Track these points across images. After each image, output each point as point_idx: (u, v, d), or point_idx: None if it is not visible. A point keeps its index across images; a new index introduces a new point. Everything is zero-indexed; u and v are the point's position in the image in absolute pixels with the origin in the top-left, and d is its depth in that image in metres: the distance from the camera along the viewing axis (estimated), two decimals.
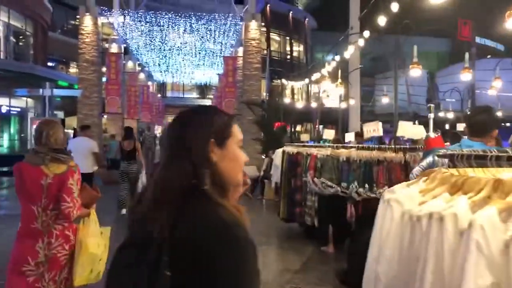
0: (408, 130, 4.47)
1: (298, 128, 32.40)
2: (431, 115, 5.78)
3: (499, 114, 22.14)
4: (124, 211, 8.98)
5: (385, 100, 17.90)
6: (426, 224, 1.41)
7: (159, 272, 1.08)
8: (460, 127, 5.90)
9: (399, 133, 4.61)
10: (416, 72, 7.54)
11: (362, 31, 11.37)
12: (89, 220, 3.17)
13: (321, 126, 18.53)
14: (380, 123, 5.16)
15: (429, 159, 2.64)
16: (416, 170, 2.68)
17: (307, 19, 38.52)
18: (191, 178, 1.18)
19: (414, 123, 6.09)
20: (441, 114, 23.03)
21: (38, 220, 2.97)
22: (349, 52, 11.57)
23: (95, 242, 3.11)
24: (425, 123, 5.90)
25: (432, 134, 2.80)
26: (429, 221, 1.40)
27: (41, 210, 2.97)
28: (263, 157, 13.02)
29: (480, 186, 1.42)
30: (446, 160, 2.66)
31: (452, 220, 1.32)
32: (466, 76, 9.03)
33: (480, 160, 1.59)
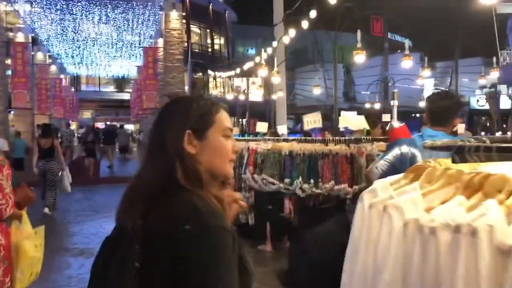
0: (351, 120, 4.30)
1: None
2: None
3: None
4: (46, 209, 8.50)
5: (316, 91, 18.08)
6: (447, 238, 1.12)
7: (128, 262, 1.09)
8: (386, 117, 5.87)
9: (341, 124, 4.44)
10: (360, 58, 7.56)
11: (286, 25, 11.39)
12: (23, 221, 2.98)
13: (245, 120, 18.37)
14: (320, 114, 4.96)
15: (395, 151, 2.38)
16: (381, 164, 2.42)
17: (227, 11, 38.19)
18: (165, 172, 1.17)
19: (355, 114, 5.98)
20: (367, 106, 23.66)
21: None
22: (274, 45, 11.44)
23: (32, 244, 2.96)
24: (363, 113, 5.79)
25: (396, 124, 2.54)
26: (454, 234, 1.11)
27: None
28: None
29: (509, 185, 1.15)
30: (418, 153, 2.45)
31: (488, 234, 1.04)
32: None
33: (488, 153, 1.32)
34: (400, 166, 2.31)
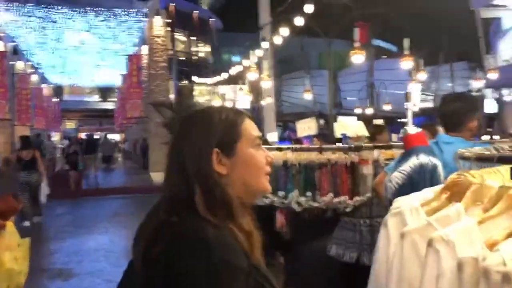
0: (349, 126, 4.01)
1: None
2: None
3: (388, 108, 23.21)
4: (27, 222, 8.39)
5: (306, 96, 17.90)
6: None
7: None
8: (377, 122, 5.63)
9: (338, 131, 4.14)
10: (358, 57, 7.31)
11: (272, 32, 11.24)
12: (5, 232, 2.88)
13: None
14: (314, 120, 4.65)
15: (412, 161, 2.06)
16: (396, 176, 2.09)
17: (212, 19, 38.01)
18: (183, 200, 1.03)
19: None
20: (358, 111, 23.41)
21: None
22: (261, 52, 11.19)
23: (12, 256, 2.86)
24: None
25: (411, 130, 2.22)
26: None
27: None
28: None
29: None
30: (439, 163, 2.14)
31: None
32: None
33: None
34: (418, 178, 2.00)
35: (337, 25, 25.95)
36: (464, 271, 0.92)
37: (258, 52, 10.78)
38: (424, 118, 23.14)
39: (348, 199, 3.38)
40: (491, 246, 0.92)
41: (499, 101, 18.83)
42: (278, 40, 9.58)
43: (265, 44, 10.58)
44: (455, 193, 1.29)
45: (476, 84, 15.25)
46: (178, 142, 1.11)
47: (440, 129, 3.78)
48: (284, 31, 9.33)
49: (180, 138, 1.11)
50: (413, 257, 1.15)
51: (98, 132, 31.30)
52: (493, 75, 13.08)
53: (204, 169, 1.04)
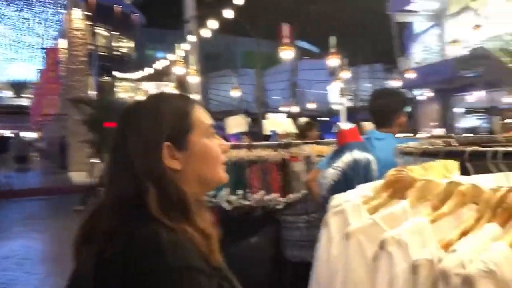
0: (278, 123, 3.96)
1: None
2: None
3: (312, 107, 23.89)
4: None
5: (235, 93, 17.90)
6: None
7: None
8: (304, 120, 5.72)
9: (268, 127, 4.08)
10: (288, 54, 7.32)
11: (198, 29, 11.12)
12: None
13: None
14: (245, 117, 4.56)
15: (346, 157, 2.02)
16: (331, 173, 2.04)
17: (135, 14, 36.95)
18: (131, 201, 0.92)
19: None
20: (284, 110, 23.71)
21: None
22: (188, 45, 10.98)
23: None
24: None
25: (343, 125, 2.18)
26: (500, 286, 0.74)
27: None
28: (96, 161, 11.68)
29: None
30: (373, 158, 2.11)
31: None
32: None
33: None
34: (353, 174, 1.98)
35: (263, 24, 26.27)
36: (418, 273, 0.86)
37: (185, 46, 10.57)
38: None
39: (280, 196, 3.34)
40: (446, 246, 0.86)
41: (412, 101, 20.04)
42: (205, 33, 9.46)
43: (192, 37, 10.40)
44: (398, 189, 1.25)
45: (394, 84, 16.05)
46: (124, 136, 0.98)
47: (366, 125, 3.86)
48: (212, 23, 9.23)
49: (125, 132, 0.99)
50: (359, 259, 1.08)
51: (11, 131, 29.30)
52: (411, 75, 13.86)
53: (155, 166, 0.94)
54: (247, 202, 3.40)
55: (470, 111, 21.45)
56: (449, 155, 1.06)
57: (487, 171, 0.99)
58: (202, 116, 1.05)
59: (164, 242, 0.87)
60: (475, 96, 19.16)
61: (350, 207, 1.25)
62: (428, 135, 7.18)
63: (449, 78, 18.87)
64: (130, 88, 33.48)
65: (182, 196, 0.95)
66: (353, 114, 18.09)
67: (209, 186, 1.08)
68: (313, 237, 3.33)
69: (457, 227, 0.91)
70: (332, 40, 9.03)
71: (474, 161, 1.06)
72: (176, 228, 0.90)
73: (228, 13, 8.92)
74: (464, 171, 1.09)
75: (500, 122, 15.07)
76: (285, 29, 12.05)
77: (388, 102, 2.47)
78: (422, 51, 25.56)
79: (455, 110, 22.03)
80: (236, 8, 9.47)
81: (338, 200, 1.38)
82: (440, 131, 12.65)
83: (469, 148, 0.96)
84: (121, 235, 0.89)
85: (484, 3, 19.11)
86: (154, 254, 0.86)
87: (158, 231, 0.88)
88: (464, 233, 0.88)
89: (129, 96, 28.76)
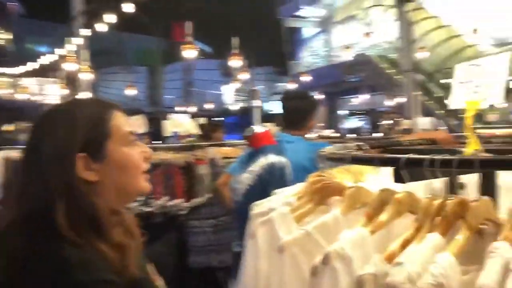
0: (181, 124, 3.80)
1: (8, 127, 28.32)
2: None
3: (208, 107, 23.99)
4: None
5: (129, 91, 17.16)
6: None
7: None
8: (201, 121, 5.63)
9: (170, 129, 3.90)
10: (191, 53, 7.13)
11: (87, 23, 10.52)
12: None
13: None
14: (143, 117, 4.30)
15: (261, 161, 1.97)
16: (246, 178, 1.98)
17: (11, 3, 34.06)
18: (40, 218, 0.86)
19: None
20: (180, 109, 23.24)
21: None
22: (79, 42, 10.33)
23: None
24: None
25: (258, 128, 2.12)
26: None
27: None
28: None
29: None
30: (288, 162, 2.07)
31: None
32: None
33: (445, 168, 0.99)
34: (269, 178, 1.94)
35: (156, 23, 25.69)
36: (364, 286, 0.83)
37: (76, 41, 9.91)
38: (236, 117, 24.42)
39: (184, 201, 3.22)
40: (389, 258, 0.84)
41: None
42: (98, 27, 8.97)
43: (83, 31, 9.79)
44: (324, 196, 1.22)
45: (290, 86, 16.59)
46: (36, 146, 0.92)
47: (268, 126, 3.87)
48: (105, 18, 8.78)
49: (37, 141, 0.92)
50: (294, 274, 1.03)
51: None
52: (306, 78, 14.48)
53: (66, 178, 0.88)
54: (148, 209, 3.23)
55: (353, 113, 22.97)
56: (383, 162, 1.05)
57: (420, 177, 1.00)
58: (121, 123, 0.99)
59: (69, 259, 0.83)
60: (360, 99, 20.54)
61: (278, 216, 1.19)
62: (317, 135, 7.51)
63: (336, 82, 20.06)
64: (9, 84, 30.74)
65: (93, 211, 0.90)
66: (248, 115, 18.39)
67: (130, 197, 1.04)
68: (221, 241, 3.26)
69: (396, 238, 0.89)
70: (235, 41, 9.09)
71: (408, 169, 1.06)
72: (84, 244, 0.86)
73: (122, 9, 8.56)
74: (398, 179, 1.09)
75: (378, 123, 16.25)
76: (188, 27, 11.86)
77: (301, 104, 2.45)
78: (310, 56, 26.87)
79: (340, 112, 23.47)
80: (131, 5, 9.15)
81: (261, 207, 1.32)
82: (329, 132, 13.35)
83: (405, 156, 0.96)
84: (25, 257, 0.84)
85: (367, 13, 20.63)
86: (59, 273, 0.82)
87: (63, 249, 0.84)
88: (405, 244, 0.86)
89: (8, 93, 26.43)
